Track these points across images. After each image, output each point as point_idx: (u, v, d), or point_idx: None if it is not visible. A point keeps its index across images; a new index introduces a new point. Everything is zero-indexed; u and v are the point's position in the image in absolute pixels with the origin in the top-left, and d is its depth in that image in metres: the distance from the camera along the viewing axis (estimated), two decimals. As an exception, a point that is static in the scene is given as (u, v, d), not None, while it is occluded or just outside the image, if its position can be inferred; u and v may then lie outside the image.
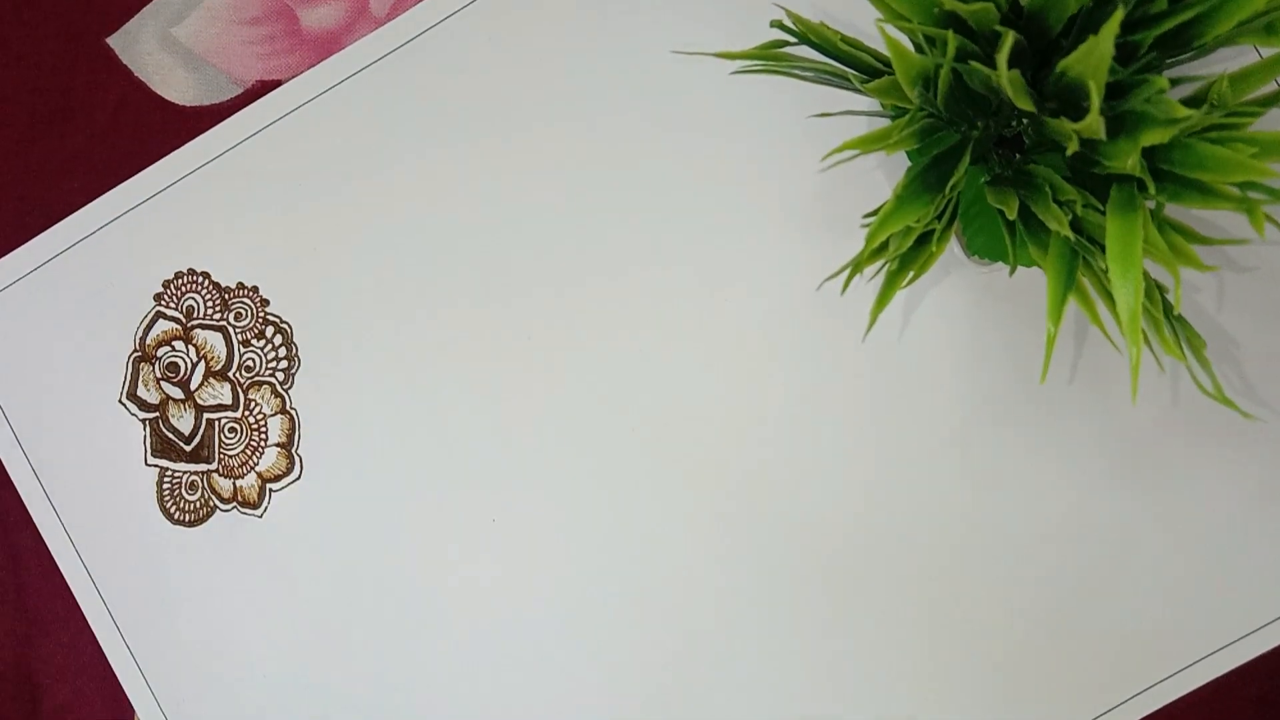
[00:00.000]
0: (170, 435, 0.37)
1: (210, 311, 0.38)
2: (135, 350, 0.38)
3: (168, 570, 0.37)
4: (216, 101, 0.38)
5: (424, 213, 0.37)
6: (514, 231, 0.37)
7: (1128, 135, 0.24)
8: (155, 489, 0.37)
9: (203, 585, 0.36)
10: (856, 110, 0.32)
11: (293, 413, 0.37)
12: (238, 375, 0.37)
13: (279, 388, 0.37)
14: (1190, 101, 0.26)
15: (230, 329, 0.38)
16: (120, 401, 0.38)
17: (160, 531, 0.37)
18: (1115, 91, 0.25)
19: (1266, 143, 0.24)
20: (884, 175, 0.36)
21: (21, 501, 0.38)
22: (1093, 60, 0.22)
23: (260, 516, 0.37)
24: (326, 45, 0.38)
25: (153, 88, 0.39)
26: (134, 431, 0.37)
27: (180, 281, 0.38)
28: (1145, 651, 0.34)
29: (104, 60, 0.39)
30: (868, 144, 0.27)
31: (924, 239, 0.29)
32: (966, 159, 0.28)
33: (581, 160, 0.37)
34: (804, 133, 0.36)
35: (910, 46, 0.26)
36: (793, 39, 0.29)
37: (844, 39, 0.28)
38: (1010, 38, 0.23)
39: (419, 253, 0.37)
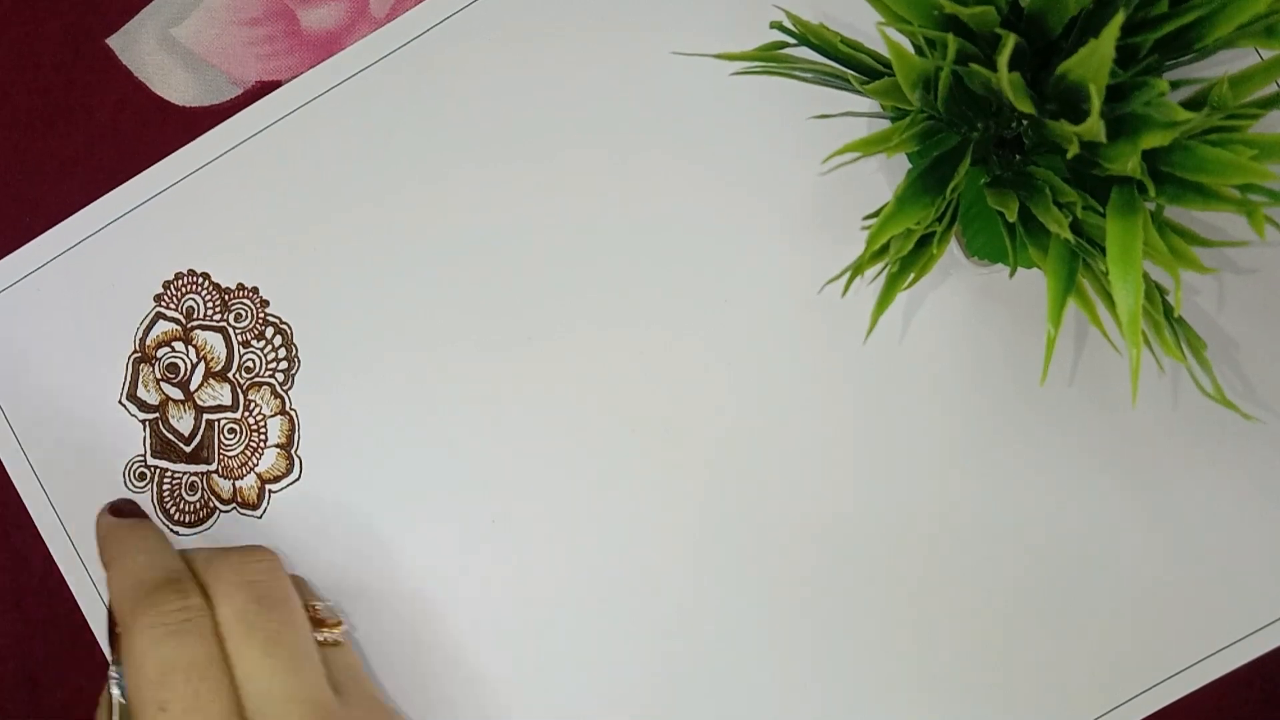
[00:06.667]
0: (170, 436, 0.37)
1: (210, 312, 0.38)
2: (135, 351, 0.38)
3: (168, 571, 0.37)
4: (216, 102, 0.38)
5: (424, 213, 0.37)
6: (513, 232, 0.37)
7: (1128, 138, 0.24)
8: (155, 490, 0.37)
9: (203, 586, 0.36)
10: (856, 111, 0.32)
11: (292, 414, 0.37)
12: (237, 376, 0.37)
13: (279, 388, 0.37)
14: (1190, 103, 0.26)
15: (230, 330, 0.38)
16: (120, 402, 0.38)
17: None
18: (1115, 94, 0.25)
19: (1267, 145, 0.25)
20: (884, 177, 0.36)
21: (21, 501, 0.38)
22: (1093, 63, 0.22)
23: (260, 517, 0.37)
24: (326, 46, 0.38)
25: (153, 88, 0.39)
26: (134, 432, 0.37)
27: (180, 282, 0.38)
28: (1146, 652, 0.34)
29: (104, 61, 0.39)
30: (869, 146, 0.27)
31: (924, 241, 0.29)
32: (967, 161, 0.28)
33: (582, 160, 0.37)
34: (804, 134, 0.36)
35: (910, 49, 0.26)
36: (792, 40, 0.29)
37: (844, 40, 0.28)
38: (1011, 41, 0.23)
39: (419, 253, 0.37)
